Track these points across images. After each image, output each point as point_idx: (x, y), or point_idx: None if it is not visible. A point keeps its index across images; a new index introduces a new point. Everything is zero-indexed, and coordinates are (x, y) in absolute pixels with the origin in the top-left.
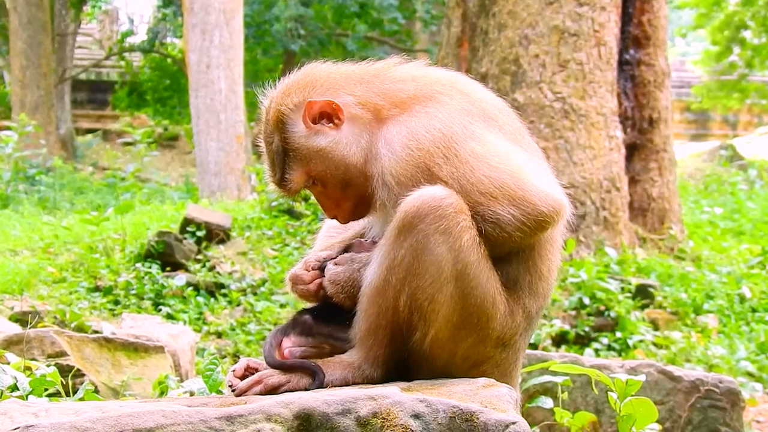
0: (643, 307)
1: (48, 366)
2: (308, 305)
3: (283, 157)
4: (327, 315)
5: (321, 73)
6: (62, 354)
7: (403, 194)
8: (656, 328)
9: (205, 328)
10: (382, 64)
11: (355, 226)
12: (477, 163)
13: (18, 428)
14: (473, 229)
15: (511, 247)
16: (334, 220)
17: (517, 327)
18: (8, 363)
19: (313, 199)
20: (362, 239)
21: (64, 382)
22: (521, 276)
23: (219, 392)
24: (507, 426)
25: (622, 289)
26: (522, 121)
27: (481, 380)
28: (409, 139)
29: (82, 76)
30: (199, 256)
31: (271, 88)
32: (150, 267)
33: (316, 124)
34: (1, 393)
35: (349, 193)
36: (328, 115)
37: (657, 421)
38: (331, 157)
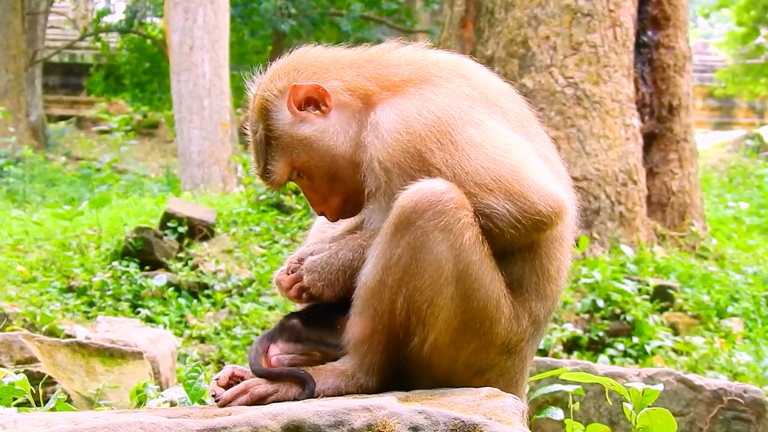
0: (661, 310)
1: (17, 373)
2: (297, 308)
3: (266, 146)
4: (317, 319)
5: (309, 57)
6: (32, 360)
7: (392, 184)
8: (676, 332)
9: (187, 332)
10: (377, 49)
11: (351, 221)
12: (474, 151)
13: None
14: (476, 226)
15: (503, 246)
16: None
17: (523, 332)
18: None
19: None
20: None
21: (34, 391)
22: (527, 277)
23: (202, 402)
24: None
25: (640, 290)
26: (531, 108)
27: (485, 390)
28: (398, 123)
29: (55, 59)
30: (181, 254)
31: (259, 73)
32: (127, 266)
33: (302, 110)
34: None
35: (337, 187)
36: (315, 101)
37: None
38: (316, 147)
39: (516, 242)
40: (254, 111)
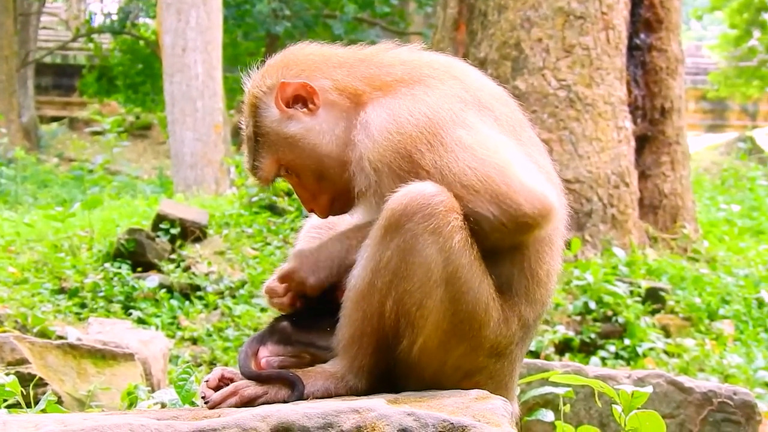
0: (653, 313)
1: (7, 375)
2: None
3: (255, 143)
4: (307, 321)
5: (300, 55)
6: (23, 361)
7: (382, 184)
8: (668, 334)
9: (179, 333)
10: (371, 49)
11: (341, 224)
12: (462, 153)
13: None
14: (465, 229)
15: (487, 246)
16: (316, 219)
17: (512, 336)
18: None
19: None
20: None
21: (25, 392)
22: (516, 280)
23: (192, 404)
24: None
25: (631, 292)
26: (524, 112)
27: (474, 392)
28: (389, 122)
29: (47, 60)
30: (173, 256)
31: (256, 69)
32: (119, 267)
33: (290, 107)
34: None
35: (325, 185)
36: (303, 99)
37: None
38: (301, 145)
39: (502, 244)
40: (246, 107)
